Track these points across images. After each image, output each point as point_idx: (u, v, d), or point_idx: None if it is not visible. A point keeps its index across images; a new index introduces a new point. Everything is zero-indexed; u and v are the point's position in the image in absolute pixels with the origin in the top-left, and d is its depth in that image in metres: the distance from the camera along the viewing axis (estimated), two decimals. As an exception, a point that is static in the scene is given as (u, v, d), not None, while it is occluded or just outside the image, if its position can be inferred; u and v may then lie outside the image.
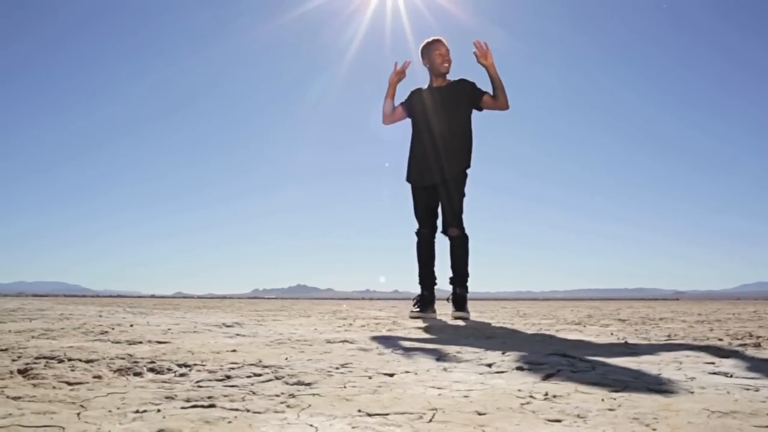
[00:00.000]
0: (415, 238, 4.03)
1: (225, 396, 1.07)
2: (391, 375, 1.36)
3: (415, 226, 4.04)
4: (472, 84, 3.94)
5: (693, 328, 3.26)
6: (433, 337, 2.53)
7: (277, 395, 1.08)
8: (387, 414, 0.93)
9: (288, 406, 0.99)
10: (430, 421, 0.89)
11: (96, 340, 2.25)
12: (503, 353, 1.77)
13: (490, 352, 1.85)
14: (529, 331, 2.88)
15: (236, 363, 1.55)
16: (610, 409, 0.97)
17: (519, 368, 1.45)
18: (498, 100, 3.84)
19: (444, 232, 3.91)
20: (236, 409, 0.96)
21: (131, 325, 3.12)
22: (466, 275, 3.91)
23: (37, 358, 1.58)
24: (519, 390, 1.14)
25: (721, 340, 2.39)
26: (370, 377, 1.31)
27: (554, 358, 1.64)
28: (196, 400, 1.02)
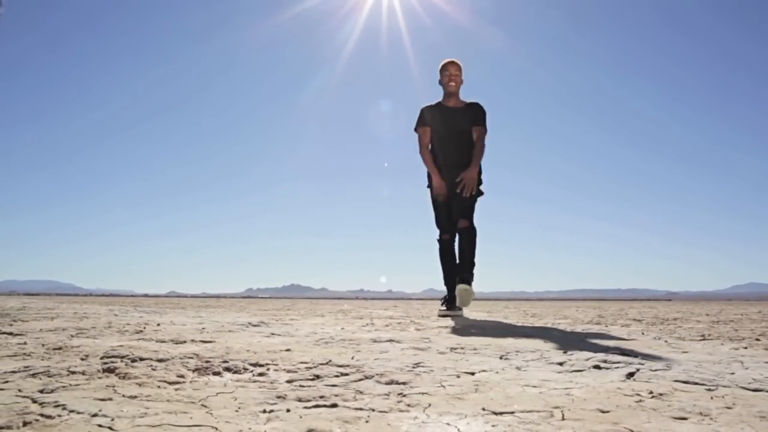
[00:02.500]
0: (438, 245, 4.31)
1: (336, 395, 1.06)
2: (473, 374, 1.36)
3: (436, 232, 4.30)
4: (479, 112, 4.26)
5: (715, 327, 3.30)
6: (472, 335, 2.53)
7: (387, 395, 1.08)
8: (512, 413, 0.94)
9: (409, 405, 0.98)
10: (563, 419, 0.89)
11: (140, 339, 2.22)
12: (564, 352, 1.78)
13: (546, 351, 1.85)
14: (556, 331, 2.90)
15: (307, 362, 1.54)
16: (728, 407, 0.98)
17: (596, 366, 1.46)
18: (475, 150, 4.15)
19: (454, 224, 4.15)
20: (361, 408, 0.95)
21: (158, 324, 3.09)
22: (473, 263, 4.11)
23: (104, 357, 1.56)
24: (619, 388, 1.15)
25: (758, 340, 2.42)
26: (458, 376, 1.32)
27: (620, 357, 1.66)
28: (314, 400, 1.01)
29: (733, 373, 1.40)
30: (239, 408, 0.94)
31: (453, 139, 4.25)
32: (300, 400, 1.02)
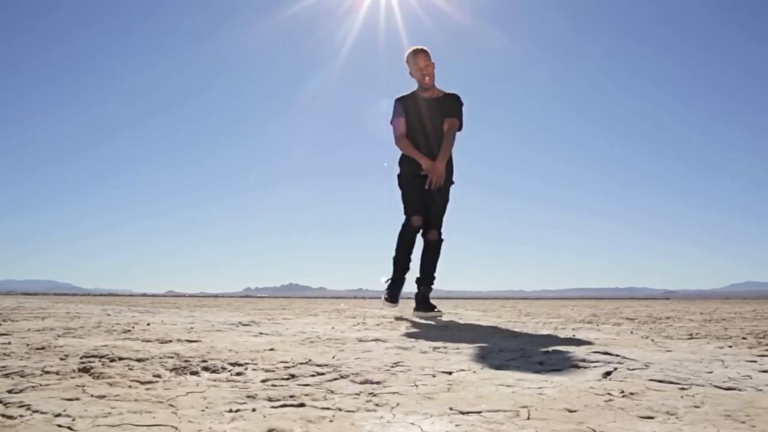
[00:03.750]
0: (401, 228, 4.02)
1: (306, 395, 1.06)
2: (450, 373, 1.36)
3: (403, 217, 4.03)
4: (455, 103, 4.10)
5: (705, 326, 3.30)
6: (455, 335, 2.53)
7: (357, 394, 1.08)
8: (479, 412, 0.94)
9: (377, 405, 0.98)
10: (528, 418, 0.89)
11: (125, 338, 2.22)
12: (546, 352, 1.78)
13: (529, 350, 1.85)
14: (546, 330, 2.90)
15: (287, 362, 1.54)
16: (696, 406, 0.98)
17: (574, 366, 1.46)
18: (447, 133, 4.00)
19: (423, 234, 4.04)
20: (328, 408, 0.95)
21: (148, 324, 3.09)
22: (434, 278, 4.11)
23: (83, 357, 1.56)
24: (591, 387, 1.15)
25: (744, 338, 2.42)
26: (433, 375, 1.31)
27: (600, 356, 1.66)
28: (283, 399, 1.01)
29: (711, 372, 1.40)
30: (206, 407, 0.94)
31: (430, 131, 4.07)
32: (270, 399, 1.02)
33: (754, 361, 1.65)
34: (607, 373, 1.35)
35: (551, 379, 1.27)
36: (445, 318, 3.99)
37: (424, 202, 3.99)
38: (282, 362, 1.54)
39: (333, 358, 1.64)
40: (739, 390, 1.15)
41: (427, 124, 4.05)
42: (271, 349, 1.88)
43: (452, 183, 4.10)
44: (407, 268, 4.09)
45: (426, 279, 4.09)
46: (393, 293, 4.03)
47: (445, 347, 1.95)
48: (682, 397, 1.06)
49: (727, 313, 5.09)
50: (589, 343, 2.16)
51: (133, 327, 2.83)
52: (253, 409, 0.92)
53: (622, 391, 1.11)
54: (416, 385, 1.18)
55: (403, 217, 4.07)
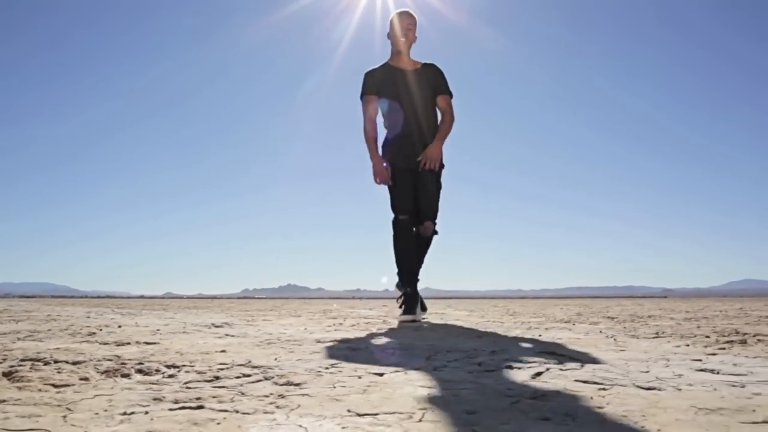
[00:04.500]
0: (393, 228, 3.63)
1: (214, 397, 1.06)
2: (381, 375, 1.36)
3: (391, 214, 3.64)
4: (439, 76, 3.74)
5: (681, 325, 3.29)
6: (423, 335, 2.53)
7: (266, 396, 1.08)
8: (377, 414, 0.93)
9: (277, 407, 0.98)
10: (420, 420, 0.89)
11: (84, 341, 2.23)
12: (493, 352, 1.78)
13: (481, 350, 1.85)
14: (518, 330, 2.89)
15: (225, 364, 1.54)
16: (599, 407, 0.97)
17: (508, 366, 1.46)
18: (446, 116, 3.71)
19: (420, 224, 3.64)
20: (225, 410, 0.95)
21: (119, 326, 3.09)
22: (417, 273, 3.72)
23: (22, 360, 1.56)
24: (509, 389, 1.14)
25: (708, 337, 2.41)
26: (359, 377, 1.31)
27: (544, 356, 1.65)
28: (185, 402, 1.01)
29: (645, 372, 1.39)
30: (103, 411, 0.94)
31: (410, 106, 3.61)
32: (175, 401, 1.02)
33: (699, 360, 1.64)
34: (537, 374, 1.34)
35: (478, 381, 1.26)
36: (429, 318, 3.96)
37: (415, 198, 3.62)
38: (221, 364, 1.54)
39: (275, 359, 1.64)
40: (658, 390, 1.14)
41: (409, 98, 3.62)
42: (223, 351, 1.88)
43: (443, 165, 3.70)
44: (417, 277, 3.68)
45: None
46: (409, 308, 3.52)
47: (398, 347, 1.95)
48: (592, 398, 1.05)
49: (712, 311, 5.07)
50: (546, 343, 2.16)
51: (102, 329, 2.83)
52: (146, 412, 0.92)
53: (536, 392, 1.10)
54: (334, 387, 1.17)
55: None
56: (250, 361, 1.58)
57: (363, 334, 2.57)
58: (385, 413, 0.93)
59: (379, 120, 3.79)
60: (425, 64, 3.76)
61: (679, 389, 1.15)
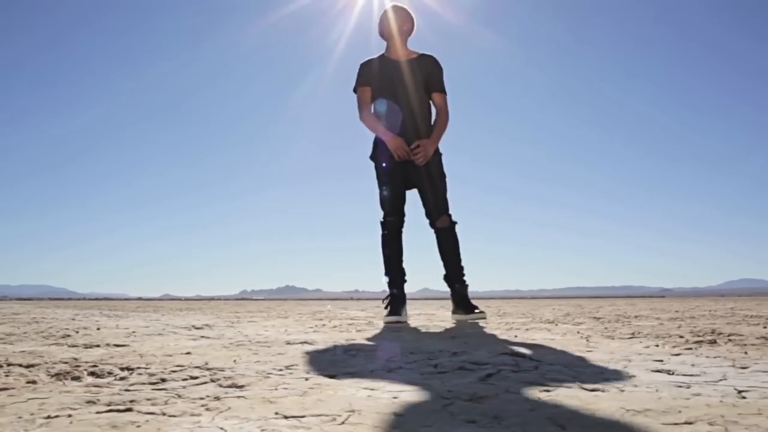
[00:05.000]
0: (381, 229, 3.60)
1: (148, 399, 1.06)
2: (333, 376, 1.35)
3: (380, 214, 3.61)
4: (435, 69, 3.64)
5: (663, 325, 3.28)
6: (399, 337, 2.52)
7: (202, 398, 1.07)
8: (303, 416, 0.93)
9: (207, 409, 0.98)
10: (342, 423, 0.88)
11: (53, 344, 2.22)
12: (454, 354, 1.77)
13: (445, 352, 1.84)
14: (497, 331, 2.88)
15: (182, 366, 1.54)
16: (531, 410, 0.97)
17: (462, 368, 1.45)
18: (441, 114, 3.62)
19: (432, 224, 3.55)
20: (152, 413, 0.94)
21: (98, 329, 3.09)
22: (462, 268, 3.57)
23: (-22, 363, 1.56)
24: (449, 391, 1.14)
25: (681, 337, 2.40)
26: (306, 379, 1.31)
27: (503, 358, 1.65)
28: (117, 404, 1.01)
29: (599, 373, 1.38)
30: (29, 414, 0.94)
31: (403, 100, 3.52)
32: (108, 404, 1.02)
33: (661, 360, 1.63)
34: (488, 375, 1.34)
35: (425, 383, 1.26)
36: (418, 319, 3.94)
37: (404, 196, 3.57)
38: (177, 366, 1.53)
39: (234, 361, 1.64)
40: (601, 391, 1.14)
41: (406, 91, 3.54)
42: (187, 353, 1.88)
43: (441, 154, 3.61)
44: (403, 279, 3.61)
45: (454, 273, 3.55)
46: (394, 309, 3.46)
47: (365, 349, 1.94)
48: (527, 399, 1.05)
49: (701, 311, 5.05)
50: (516, 344, 2.15)
51: (78, 332, 2.83)
52: (69, 415, 0.92)
53: (474, 395, 1.09)
54: (276, 389, 1.17)
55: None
56: (207, 363, 1.58)
57: (340, 336, 2.56)
58: (312, 416, 0.93)
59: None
60: (422, 55, 3.68)
61: (622, 390, 1.14)
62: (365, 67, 3.67)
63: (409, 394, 1.12)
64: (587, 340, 2.30)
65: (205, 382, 1.26)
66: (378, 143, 3.64)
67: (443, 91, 3.64)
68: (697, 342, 2.14)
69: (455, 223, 3.59)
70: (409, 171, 3.55)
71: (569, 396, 1.08)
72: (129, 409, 0.97)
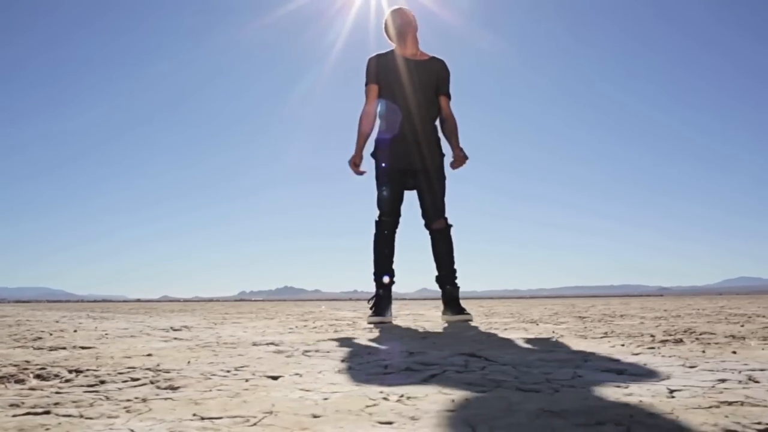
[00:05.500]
0: (375, 228, 3.62)
1: (74, 402, 1.05)
2: (276, 378, 1.35)
3: (376, 213, 3.62)
4: (445, 73, 3.70)
5: (643, 324, 3.27)
6: (371, 336, 2.52)
7: (129, 400, 1.07)
8: (219, 418, 0.92)
9: (128, 411, 0.97)
10: (254, 424, 0.88)
11: (20, 347, 2.23)
12: (410, 354, 1.77)
13: (403, 353, 1.84)
14: (475, 332, 2.87)
15: (132, 368, 1.54)
16: (450, 411, 0.96)
17: (408, 369, 1.45)
18: (448, 119, 3.70)
19: (427, 225, 3.61)
20: (70, 416, 0.94)
21: (75, 331, 3.10)
22: (455, 270, 3.63)
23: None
24: (380, 392, 1.13)
25: (652, 336, 2.39)
26: (248, 380, 1.30)
27: (456, 359, 1.64)
28: (38, 407, 1.01)
29: (548, 373, 1.38)
30: (-53, 417, 0.94)
31: (406, 101, 3.56)
32: (32, 407, 1.01)
33: (617, 360, 1.62)
34: (432, 376, 1.33)
35: (365, 384, 1.25)
36: (405, 320, 3.95)
37: (402, 199, 3.61)
38: (127, 368, 1.53)
39: (188, 363, 1.64)
40: (536, 392, 1.13)
41: (410, 92, 3.56)
42: (148, 355, 1.88)
43: (443, 155, 3.68)
44: (392, 281, 3.61)
45: (447, 275, 3.60)
46: (379, 309, 3.51)
47: (315, 351, 1.93)
48: (453, 401, 1.04)
49: (692, 309, 5.04)
50: (485, 344, 2.14)
51: (52, 334, 2.84)
52: (-17, 418, 0.92)
53: (402, 396, 1.09)
54: (210, 390, 1.17)
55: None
56: (158, 365, 1.57)
57: (313, 337, 2.56)
58: (228, 417, 0.93)
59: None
60: (433, 58, 3.71)
61: (558, 391, 1.13)
62: (372, 61, 3.65)
63: (340, 395, 1.11)
64: (556, 340, 2.29)
65: (144, 384, 1.25)
66: (379, 142, 3.66)
67: (448, 95, 3.71)
68: (663, 341, 2.13)
69: (451, 225, 3.63)
70: (410, 172, 3.59)
71: (498, 397, 1.07)
72: (47, 412, 0.96)
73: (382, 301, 3.57)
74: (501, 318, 4.24)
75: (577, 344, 2.13)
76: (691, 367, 1.43)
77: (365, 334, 2.69)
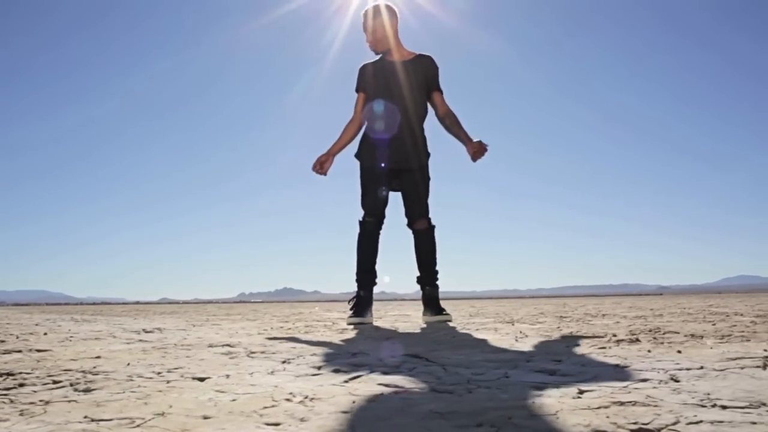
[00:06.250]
0: (359, 229, 3.63)
1: (-23, 405, 1.05)
2: (203, 379, 1.34)
3: (360, 213, 3.64)
4: (433, 70, 3.64)
5: (618, 324, 3.25)
6: (341, 337, 2.51)
7: (33, 402, 1.07)
8: (110, 420, 0.92)
9: (21, 414, 0.97)
10: (138, 426, 0.87)
11: (-25, 349, 2.23)
12: (353, 355, 1.76)
13: (348, 354, 1.83)
14: (446, 332, 2.86)
15: (68, 370, 1.54)
16: (345, 412, 0.95)
17: (337, 370, 1.44)
18: (448, 115, 3.62)
19: (409, 225, 3.61)
20: (-39, 419, 0.94)
21: (45, 334, 3.10)
22: (436, 272, 3.63)
23: None
24: (290, 393, 1.13)
25: (615, 335, 2.38)
26: (170, 381, 1.30)
27: (395, 360, 1.63)
28: (-64, 410, 1.01)
29: (480, 374, 1.36)
30: None
31: (399, 100, 3.54)
32: (-67, 410, 1.01)
33: (560, 361, 1.61)
34: (355, 378, 1.33)
35: (284, 384, 1.25)
36: (387, 320, 3.94)
37: (386, 199, 3.60)
38: (63, 370, 1.53)
39: (127, 365, 1.63)
40: (448, 393, 1.12)
41: (399, 94, 3.55)
42: (97, 357, 1.88)
43: (428, 155, 3.67)
44: (373, 282, 3.62)
45: (427, 276, 3.61)
46: (359, 310, 3.51)
47: (264, 352, 1.93)
48: (354, 401, 1.03)
49: (673, 309, 5.01)
50: (443, 345, 2.14)
51: (19, 337, 2.84)
52: None
53: (306, 396, 1.08)
54: (123, 392, 1.16)
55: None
56: (96, 367, 1.57)
57: (260, 339, 2.55)
58: (119, 418, 0.92)
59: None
60: (419, 55, 3.66)
61: (471, 392, 1.12)
62: (361, 72, 3.70)
63: (248, 396, 1.11)
64: (516, 341, 2.27)
65: (63, 387, 1.25)
66: (362, 142, 3.69)
67: (440, 90, 3.65)
68: (619, 341, 2.11)
69: (433, 226, 3.62)
70: (393, 172, 3.59)
71: (401, 399, 1.06)
72: (-59, 415, 0.96)
73: (362, 301, 3.58)
74: (482, 318, 4.23)
75: (530, 345, 2.12)
76: (625, 367, 1.42)
77: (335, 335, 2.68)
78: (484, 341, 2.27)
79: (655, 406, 0.90)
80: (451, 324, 3.42)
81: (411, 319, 4.28)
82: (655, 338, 2.16)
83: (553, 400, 0.99)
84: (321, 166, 3.64)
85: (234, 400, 1.08)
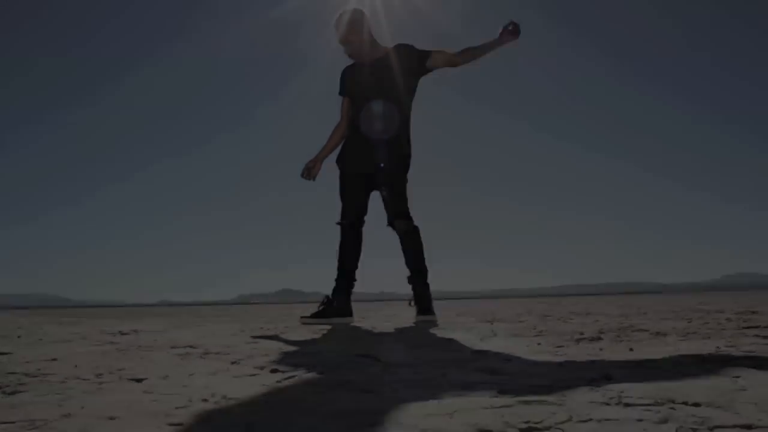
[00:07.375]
0: (340, 231, 3.66)
1: None
2: (140, 380, 1.34)
3: (338, 216, 3.68)
4: (410, 49, 3.59)
5: (598, 322, 3.24)
6: (303, 339, 2.50)
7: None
8: (13, 422, 0.92)
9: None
10: (37, 427, 0.87)
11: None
12: (303, 355, 1.75)
13: (306, 354, 1.83)
14: (420, 332, 2.84)
15: (12, 373, 1.54)
16: (252, 411, 0.95)
17: (274, 371, 1.43)
18: (460, 57, 3.50)
19: (390, 224, 3.62)
20: None
21: (19, 336, 3.11)
22: (426, 270, 3.63)
23: None
24: (212, 394, 1.12)
25: (582, 334, 2.37)
26: (103, 383, 1.30)
27: (340, 359, 1.63)
28: None
29: (416, 375, 1.36)
30: None
31: (372, 103, 3.55)
32: None
33: (509, 360, 1.60)
34: (288, 378, 1.32)
35: (221, 384, 1.24)
36: (375, 319, 3.93)
37: (364, 202, 3.65)
38: (8, 372, 1.53)
39: (75, 367, 1.63)
40: (371, 392, 1.11)
41: (372, 95, 3.54)
42: (53, 359, 1.88)
43: (407, 155, 3.63)
44: (351, 284, 3.64)
45: (415, 276, 3.61)
46: (320, 312, 3.53)
47: (220, 353, 1.93)
48: (267, 402, 1.03)
49: (661, 307, 4.99)
50: (407, 345, 2.13)
51: (-8, 339, 2.85)
52: None
53: (223, 397, 1.08)
54: (48, 394, 1.16)
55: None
56: (41, 369, 1.57)
57: (246, 339, 2.55)
58: (24, 420, 0.92)
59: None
60: (389, 52, 3.60)
61: (396, 392, 1.12)
62: (343, 75, 3.74)
63: (170, 397, 1.10)
64: (481, 340, 2.27)
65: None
66: (343, 146, 3.74)
67: (432, 50, 3.56)
68: (580, 339, 2.10)
69: (416, 227, 3.62)
70: (367, 176, 3.62)
71: (317, 399, 1.06)
72: None
73: (341, 304, 3.62)
74: (466, 318, 4.22)
75: (497, 343, 2.11)
76: (560, 365, 1.41)
77: (310, 335, 2.68)
78: (450, 341, 2.26)
79: (559, 405, 0.89)
80: (436, 323, 3.41)
81: (395, 318, 4.27)
82: (618, 336, 2.15)
83: (464, 401, 0.99)
84: (309, 172, 3.72)
85: (154, 401, 1.08)
